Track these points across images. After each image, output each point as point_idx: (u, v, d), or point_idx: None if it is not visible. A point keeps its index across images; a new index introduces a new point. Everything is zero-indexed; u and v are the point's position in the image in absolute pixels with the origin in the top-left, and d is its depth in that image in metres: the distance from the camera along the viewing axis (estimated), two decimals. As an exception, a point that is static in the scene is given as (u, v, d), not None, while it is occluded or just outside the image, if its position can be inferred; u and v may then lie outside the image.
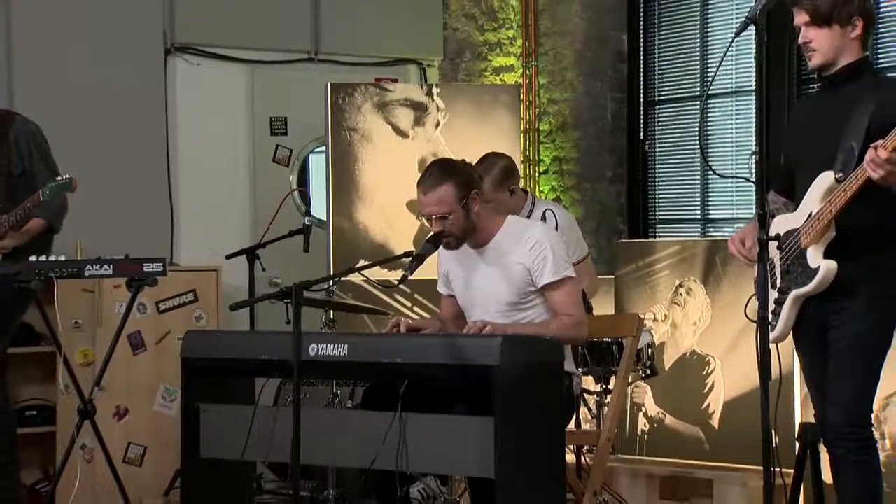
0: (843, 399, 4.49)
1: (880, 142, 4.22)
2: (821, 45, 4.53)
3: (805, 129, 4.71)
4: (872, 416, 4.60)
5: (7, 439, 6.15)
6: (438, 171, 5.12)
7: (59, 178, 5.75)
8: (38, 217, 5.90)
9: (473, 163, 5.47)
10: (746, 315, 4.80)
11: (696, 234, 7.87)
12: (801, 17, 4.53)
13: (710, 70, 7.78)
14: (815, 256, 4.50)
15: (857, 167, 4.32)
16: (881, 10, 6.88)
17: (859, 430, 4.50)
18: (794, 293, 4.56)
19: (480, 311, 5.14)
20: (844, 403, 4.49)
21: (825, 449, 4.66)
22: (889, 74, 5.98)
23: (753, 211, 4.55)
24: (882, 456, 5.14)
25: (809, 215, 4.51)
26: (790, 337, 4.76)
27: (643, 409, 7.04)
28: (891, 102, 4.41)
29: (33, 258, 5.66)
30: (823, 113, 4.61)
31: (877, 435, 4.82)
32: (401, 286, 6.45)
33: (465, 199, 5.03)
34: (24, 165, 6.01)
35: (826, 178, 4.46)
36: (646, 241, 7.80)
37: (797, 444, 5.54)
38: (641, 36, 8.17)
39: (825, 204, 4.45)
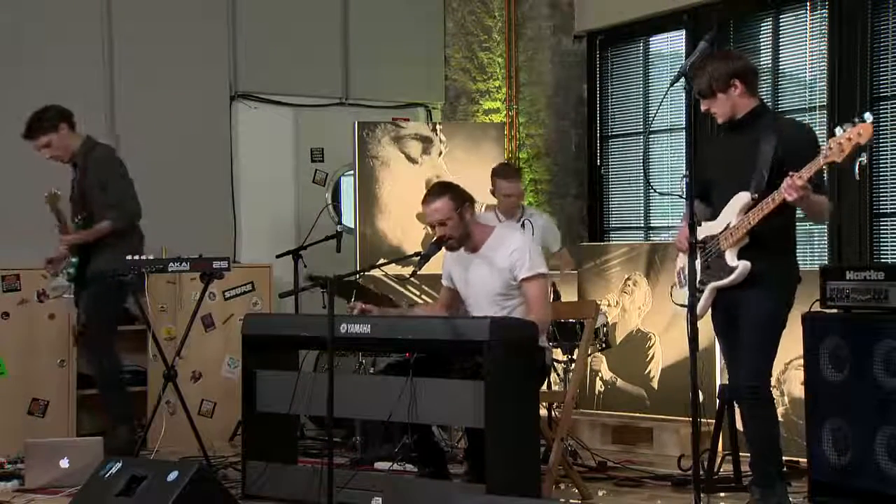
0: (748, 367, 4.51)
1: (796, 173, 4.23)
2: (717, 110, 4.56)
3: (720, 157, 4.69)
4: (773, 378, 4.63)
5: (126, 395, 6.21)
6: (437, 188, 5.13)
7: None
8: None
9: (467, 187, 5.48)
10: (672, 298, 4.83)
11: (641, 238, 7.85)
12: (697, 96, 4.55)
13: (650, 112, 7.77)
14: (732, 257, 4.51)
15: (773, 191, 4.32)
16: (780, 68, 6.91)
17: (760, 390, 4.51)
18: (712, 284, 4.56)
19: (475, 300, 5.14)
20: (749, 370, 4.51)
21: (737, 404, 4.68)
22: (786, 116, 6.00)
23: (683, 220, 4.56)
24: (781, 409, 5.16)
25: (728, 225, 4.52)
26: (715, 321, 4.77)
27: (599, 374, 7.03)
28: (789, 139, 4.44)
29: (129, 257, 5.69)
30: (734, 146, 4.59)
31: (778, 393, 4.83)
32: (411, 279, 6.52)
33: (460, 209, 5.03)
34: None
35: (743, 197, 4.47)
36: (601, 244, 7.77)
37: (717, 401, 5.57)
38: (598, 85, 8.16)
39: (742, 218, 4.46)
